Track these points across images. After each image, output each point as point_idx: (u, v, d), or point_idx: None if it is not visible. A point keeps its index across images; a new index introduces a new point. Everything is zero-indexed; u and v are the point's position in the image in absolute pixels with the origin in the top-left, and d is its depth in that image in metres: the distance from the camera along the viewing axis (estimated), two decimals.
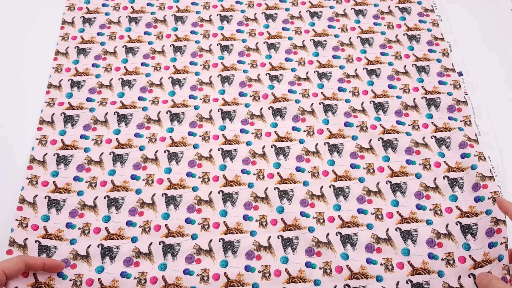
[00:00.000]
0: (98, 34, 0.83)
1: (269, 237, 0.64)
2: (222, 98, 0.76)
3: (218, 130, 0.72)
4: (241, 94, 0.76)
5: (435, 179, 0.67)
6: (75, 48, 0.81)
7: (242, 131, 0.72)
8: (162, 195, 0.67)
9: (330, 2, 0.86)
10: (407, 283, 0.60)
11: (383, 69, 0.77)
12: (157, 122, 0.73)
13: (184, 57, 0.80)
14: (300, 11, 0.85)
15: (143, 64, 0.80)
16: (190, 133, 0.72)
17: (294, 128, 0.72)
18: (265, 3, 0.87)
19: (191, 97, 0.76)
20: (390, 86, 0.76)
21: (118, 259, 0.63)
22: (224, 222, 0.65)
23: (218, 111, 0.74)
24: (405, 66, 0.77)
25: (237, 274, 0.61)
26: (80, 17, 0.84)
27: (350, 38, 0.81)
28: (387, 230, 0.63)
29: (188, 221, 0.65)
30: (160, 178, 0.68)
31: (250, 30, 0.83)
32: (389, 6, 0.85)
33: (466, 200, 0.65)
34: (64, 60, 0.80)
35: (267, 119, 0.73)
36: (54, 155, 0.69)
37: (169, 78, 0.77)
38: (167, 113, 0.74)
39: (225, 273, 0.62)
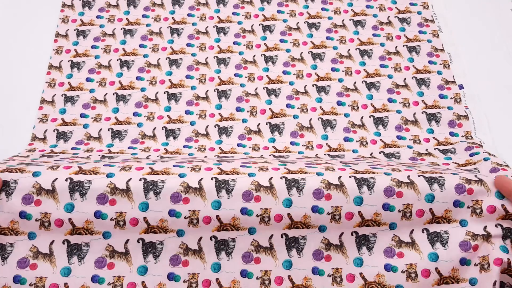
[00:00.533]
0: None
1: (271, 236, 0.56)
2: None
3: (215, 144, 0.71)
4: (238, 109, 0.75)
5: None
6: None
7: (239, 145, 0.71)
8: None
9: (328, 13, 0.85)
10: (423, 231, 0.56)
11: (382, 82, 0.77)
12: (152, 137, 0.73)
13: (180, 71, 0.78)
14: (298, 22, 0.84)
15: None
16: (187, 111, 0.74)
17: (292, 143, 0.71)
18: (262, 14, 0.85)
19: (187, 112, 0.74)
20: (390, 100, 0.75)
21: (88, 258, 0.55)
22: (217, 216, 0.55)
23: (215, 127, 0.73)
24: (405, 79, 0.77)
25: (232, 280, 0.56)
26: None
27: (349, 50, 0.80)
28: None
29: (173, 213, 0.56)
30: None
31: (247, 42, 0.82)
32: (388, 17, 0.84)
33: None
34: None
35: (265, 135, 0.72)
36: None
37: (164, 93, 0.76)
38: (162, 129, 0.73)
39: (217, 279, 0.55)
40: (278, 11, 0.85)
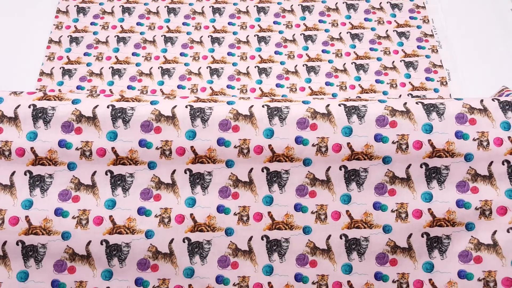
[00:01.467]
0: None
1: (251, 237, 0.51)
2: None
3: None
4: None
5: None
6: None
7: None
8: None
9: (324, 25, 0.83)
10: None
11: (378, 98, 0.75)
12: None
13: (172, 81, 0.77)
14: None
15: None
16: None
17: None
18: (258, 24, 0.84)
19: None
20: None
21: (51, 191, 0.51)
22: (192, 214, 0.51)
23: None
24: (400, 95, 0.75)
25: (207, 216, 0.50)
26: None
27: (344, 64, 0.78)
28: None
29: (143, 144, 0.51)
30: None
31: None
32: (387, 30, 0.82)
33: None
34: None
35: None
36: None
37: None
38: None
39: (191, 214, 0.50)
40: (275, 22, 0.83)
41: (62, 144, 0.50)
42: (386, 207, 0.49)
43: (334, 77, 0.76)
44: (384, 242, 0.50)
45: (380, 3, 0.84)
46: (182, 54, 0.79)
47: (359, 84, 0.76)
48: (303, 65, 0.78)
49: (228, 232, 0.49)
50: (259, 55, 0.79)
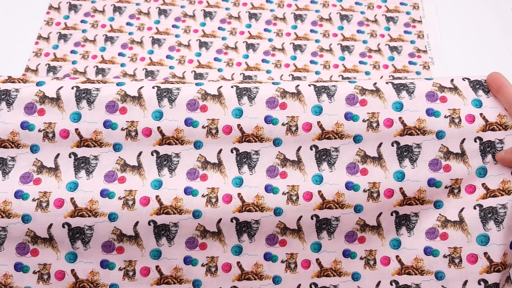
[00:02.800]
0: (82, 21, 0.82)
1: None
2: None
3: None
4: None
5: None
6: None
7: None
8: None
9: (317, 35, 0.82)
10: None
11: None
12: None
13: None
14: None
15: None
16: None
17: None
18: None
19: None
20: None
21: (7, 244, 0.49)
22: (158, 196, 0.49)
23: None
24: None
25: (174, 198, 0.49)
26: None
27: (331, 76, 0.76)
28: None
29: (105, 194, 0.49)
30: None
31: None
32: (378, 44, 0.79)
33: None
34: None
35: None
36: None
37: (143, 70, 0.76)
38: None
39: (157, 196, 0.48)
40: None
41: (25, 126, 0.49)
42: (358, 187, 0.48)
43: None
44: (354, 221, 0.49)
45: (375, 15, 0.82)
46: (168, 57, 0.78)
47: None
48: (289, 75, 0.76)
49: (196, 214, 0.48)
50: (245, 62, 0.78)
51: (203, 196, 0.48)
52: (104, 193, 0.48)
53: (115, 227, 0.48)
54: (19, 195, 0.48)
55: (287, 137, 0.49)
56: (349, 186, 0.48)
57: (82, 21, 0.82)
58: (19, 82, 0.50)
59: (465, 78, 0.51)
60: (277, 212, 0.48)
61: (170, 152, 0.50)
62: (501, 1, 0.85)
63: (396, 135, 0.49)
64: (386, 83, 0.50)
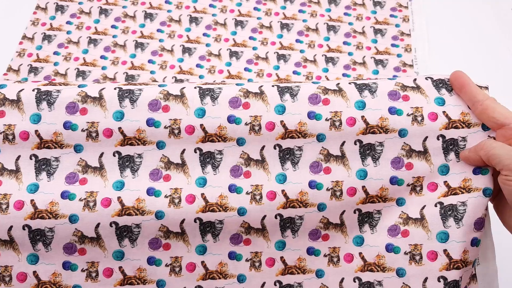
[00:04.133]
0: (67, 22, 0.82)
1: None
2: None
3: None
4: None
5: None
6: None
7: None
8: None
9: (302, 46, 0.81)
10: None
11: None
12: None
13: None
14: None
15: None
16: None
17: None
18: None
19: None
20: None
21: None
22: (120, 197, 0.48)
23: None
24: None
25: (136, 199, 0.48)
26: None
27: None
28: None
29: (66, 196, 0.49)
30: None
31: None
32: (364, 56, 0.78)
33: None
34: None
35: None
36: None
37: (123, 73, 0.75)
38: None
39: (118, 197, 0.48)
40: (250, 37, 0.81)
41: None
42: (322, 186, 0.47)
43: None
44: (318, 220, 0.49)
45: (363, 27, 0.81)
46: (150, 61, 0.78)
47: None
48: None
49: (159, 215, 0.47)
50: (227, 70, 0.77)
51: (165, 196, 0.47)
52: (65, 195, 0.48)
53: (76, 228, 0.47)
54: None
55: (251, 137, 0.48)
56: (313, 185, 0.48)
57: (68, 22, 0.82)
58: None
59: (428, 77, 0.50)
60: (241, 211, 0.47)
61: (132, 153, 0.49)
62: (494, 12, 0.83)
63: (359, 133, 0.48)
64: (349, 83, 0.50)
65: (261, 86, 0.50)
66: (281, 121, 0.48)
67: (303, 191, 0.48)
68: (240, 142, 0.49)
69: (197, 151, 0.49)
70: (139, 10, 0.83)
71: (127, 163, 0.49)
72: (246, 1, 0.84)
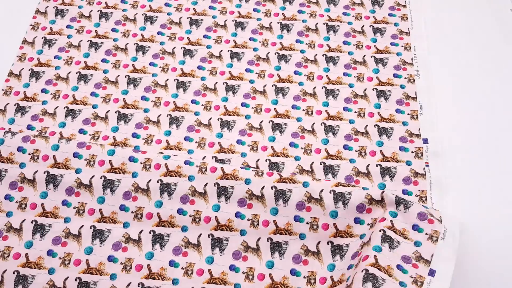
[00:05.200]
0: (67, 26, 0.82)
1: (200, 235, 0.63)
2: (174, 102, 0.75)
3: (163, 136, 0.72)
4: (193, 101, 0.75)
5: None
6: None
7: (186, 138, 0.71)
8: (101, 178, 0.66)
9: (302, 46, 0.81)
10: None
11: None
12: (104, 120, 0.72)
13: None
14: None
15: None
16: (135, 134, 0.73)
17: (238, 141, 0.71)
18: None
19: (143, 98, 0.75)
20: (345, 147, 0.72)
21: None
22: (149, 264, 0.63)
23: (167, 116, 0.73)
24: (366, 125, 0.73)
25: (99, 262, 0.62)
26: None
27: (314, 87, 0.76)
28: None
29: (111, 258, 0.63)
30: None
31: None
32: (364, 55, 0.79)
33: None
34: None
35: (214, 129, 0.72)
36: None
37: (116, 112, 0.74)
38: (115, 112, 0.74)
39: (87, 260, 0.61)
40: (251, 38, 0.82)
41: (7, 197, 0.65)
42: (300, 274, 0.61)
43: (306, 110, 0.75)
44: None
45: (362, 26, 0.82)
46: (151, 64, 0.78)
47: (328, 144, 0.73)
48: (272, 86, 0.76)
49: (175, 282, 0.61)
50: (229, 71, 0.77)
51: (182, 268, 0.61)
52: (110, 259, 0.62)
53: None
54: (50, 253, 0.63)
55: (251, 230, 0.63)
56: (293, 272, 0.61)
57: (68, 26, 0.82)
58: (7, 163, 0.66)
59: (396, 195, 0.61)
60: (236, 286, 0.61)
61: (163, 232, 0.64)
62: (493, 11, 0.84)
63: (331, 236, 0.62)
64: (330, 191, 0.62)
65: (263, 187, 0.63)
66: (274, 220, 0.63)
67: (286, 276, 0.61)
68: (242, 232, 0.63)
69: (210, 236, 0.63)
70: (139, 13, 0.83)
71: (99, 235, 0.63)
72: (245, 2, 0.85)
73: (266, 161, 0.69)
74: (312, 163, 0.69)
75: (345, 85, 0.75)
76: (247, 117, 0.73)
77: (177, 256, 0.62)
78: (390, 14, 0.83)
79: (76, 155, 0.66)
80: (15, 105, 0.74)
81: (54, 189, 0.65)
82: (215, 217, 0.63)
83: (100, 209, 0.64)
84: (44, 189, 0.65)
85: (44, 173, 0.65)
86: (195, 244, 0.62)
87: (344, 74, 0.77)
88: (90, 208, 0.64)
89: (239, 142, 0.71)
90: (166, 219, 0.64)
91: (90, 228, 0.63)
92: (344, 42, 0.80)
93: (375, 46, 0.80)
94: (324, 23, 0.82)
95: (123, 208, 0.64)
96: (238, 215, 0.63)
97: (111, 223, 0.64)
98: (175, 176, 0.65)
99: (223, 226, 0.63)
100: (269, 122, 0.72)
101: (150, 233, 0.63)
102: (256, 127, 0.72)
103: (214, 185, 0.64)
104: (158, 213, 0.64)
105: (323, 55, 0.79)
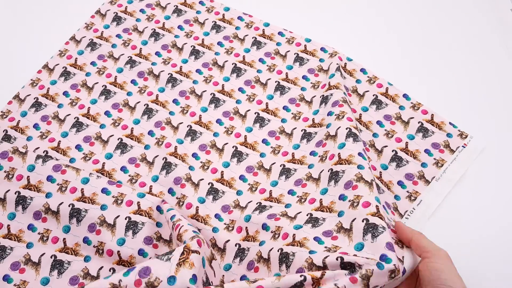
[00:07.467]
0: (117, 36, 0.80)
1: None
2: (175, 147, 0.69)
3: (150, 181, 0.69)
4: (194, 155, 0.69)
5: None
6: (89, 39, 0.79)
7: (170, 191, 0.66)
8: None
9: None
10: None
11: None
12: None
13: (132, 73, 0.75)
14: (269, 79, 0.75)
15: (106, 112, 0.74)
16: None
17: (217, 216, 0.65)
18: (243, 56, 0.77)
19: (149, 133, 0.71)
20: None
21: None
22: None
23: (163, 159, 0.68)
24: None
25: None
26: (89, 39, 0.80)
27: (294, 128, 0.69)
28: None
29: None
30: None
31: (209, 76, 0.75)
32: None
33: None
34: (73, 46, 0.79)
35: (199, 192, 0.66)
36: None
37: (144, 105, 0.72)
38: (117, 139, 0.71)
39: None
40: (240, 89, 0.75)
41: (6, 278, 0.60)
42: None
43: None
44: None
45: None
46: (174, 101, 0.74)
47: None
48: (255, 113, 0.68)
49: None
50: (199, 115, 0.71)
51: None
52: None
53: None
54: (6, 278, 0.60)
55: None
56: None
57: (92, 63, 0.77)
58: None
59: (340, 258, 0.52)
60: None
61: (65, 259, 0.61)
62: (493, 12, 0.81)
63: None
64: (278, 250, 0.56)
65: (271, 250, 0.57)
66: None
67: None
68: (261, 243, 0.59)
69: (237, 245, 0.61)
70: (165, 71, 0.77)
71: (58, 266, 0.60)
72: (256, 49, 0.78)
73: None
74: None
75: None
76: (191, 168, 0.67)
77: None
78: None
79: (49, 179, 0.64)
80: (34, 98, 0.73)
81: (22, 211, 0.63)
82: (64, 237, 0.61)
83: (64, 239, 0.61)
84: (13, 210, 0.63)
85: (15, 193, 0.63)
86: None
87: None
88: (54, 236, 0.62)
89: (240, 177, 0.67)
90: (126, 258, 0.58)
91: (51, 257, 0.60)
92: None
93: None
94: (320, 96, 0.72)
95: (86, 240, 0.61)
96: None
97: (72, 254, 0.60)
98: (145, 216, 0.60)
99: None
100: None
101: (110, 271, 0.58)
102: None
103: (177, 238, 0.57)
104: (118, 251, 0.59)
105: (320, 96, 0.68)
